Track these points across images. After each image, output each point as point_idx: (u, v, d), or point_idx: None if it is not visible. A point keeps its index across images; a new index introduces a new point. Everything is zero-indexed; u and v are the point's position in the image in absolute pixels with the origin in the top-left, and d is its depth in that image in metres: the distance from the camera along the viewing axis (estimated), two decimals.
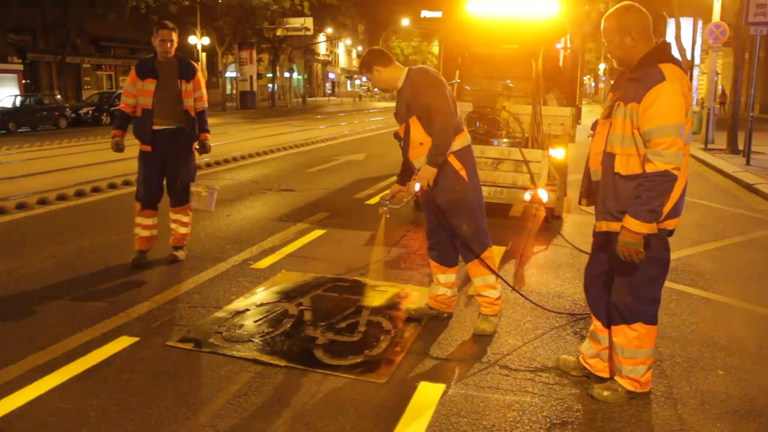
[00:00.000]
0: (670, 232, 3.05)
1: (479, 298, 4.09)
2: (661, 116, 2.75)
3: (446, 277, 4.19)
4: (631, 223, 2.81)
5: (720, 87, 26.45)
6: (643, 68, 2.87)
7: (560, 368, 3.50)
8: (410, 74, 3.92)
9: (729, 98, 15.46)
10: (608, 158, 2.99)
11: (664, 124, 2.75)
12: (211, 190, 5.53)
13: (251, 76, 42.86)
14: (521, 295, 4.40)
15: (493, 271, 4.00)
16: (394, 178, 4.30)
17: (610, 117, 2.99)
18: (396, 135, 4.07)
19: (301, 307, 4.44)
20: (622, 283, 3.08)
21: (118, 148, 5.34)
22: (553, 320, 4.28)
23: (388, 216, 4.17)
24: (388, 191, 4.25)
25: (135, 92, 5.27)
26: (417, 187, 3.96)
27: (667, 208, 2.88)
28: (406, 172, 4.19)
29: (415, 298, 4.66)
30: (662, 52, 2.89)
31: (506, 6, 7.52)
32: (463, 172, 3.89)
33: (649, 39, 2.91)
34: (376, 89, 4.53)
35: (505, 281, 4.20)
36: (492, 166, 6.75)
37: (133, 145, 5.46)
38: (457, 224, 3.93)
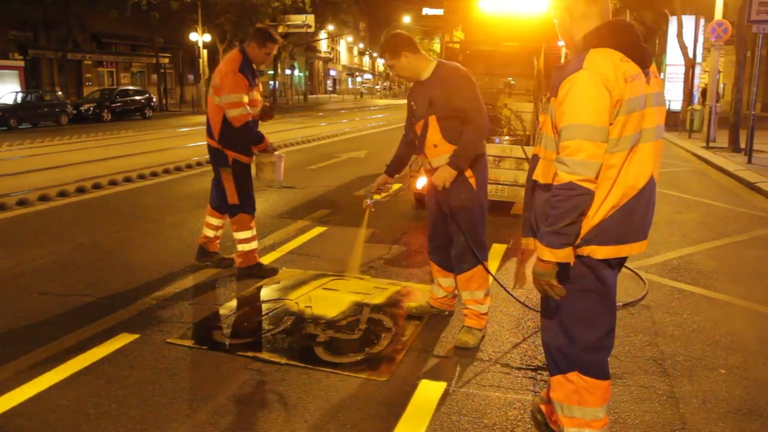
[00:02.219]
0: (617, 261, 2.39)
1: (465, 310, 3.92)
2: (568, 114, 2.19)
3: (447, 281, 4.12)
4: (539, 249, 2.28)
5: (722, 85, 26.42)
6: (575, 54, 2.33)
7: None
8: (441, 69, 3.65)
9: (731, 96, 15.37)
10: (533, 162, 2.47)
11: (571, 123, 2.18)
12: (279, 156, 5.07)
13: None
14: (519, 301, 4.36)
15: (489, 272, 3.86)
16: (395, 176, 4.20)
17: None
18: (411, 127, 3.87)
19: (302, 305, 4.43)
20: (550, 321, 2.51)
21: (273, 147, 5.05)
22: None
23: (372, 210, 4.02)
24: (373, 184, 4.06)
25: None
26: (419, 185, 3.86)
27: (585, 228, 2.27)
28: (397, 165, 4.03)
29: (416, 295, 4.65)
30: (600, 34, 2.26)
31: (508, 3, 7.50)
32: (472, 180, 3.73)
33: (592, 20, 2.30)
34: (399, 77, 4.17)
35: (502, 285, 4.15)
36: (494, 163, 6.74)
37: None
38: (456, 231, 3.78)
